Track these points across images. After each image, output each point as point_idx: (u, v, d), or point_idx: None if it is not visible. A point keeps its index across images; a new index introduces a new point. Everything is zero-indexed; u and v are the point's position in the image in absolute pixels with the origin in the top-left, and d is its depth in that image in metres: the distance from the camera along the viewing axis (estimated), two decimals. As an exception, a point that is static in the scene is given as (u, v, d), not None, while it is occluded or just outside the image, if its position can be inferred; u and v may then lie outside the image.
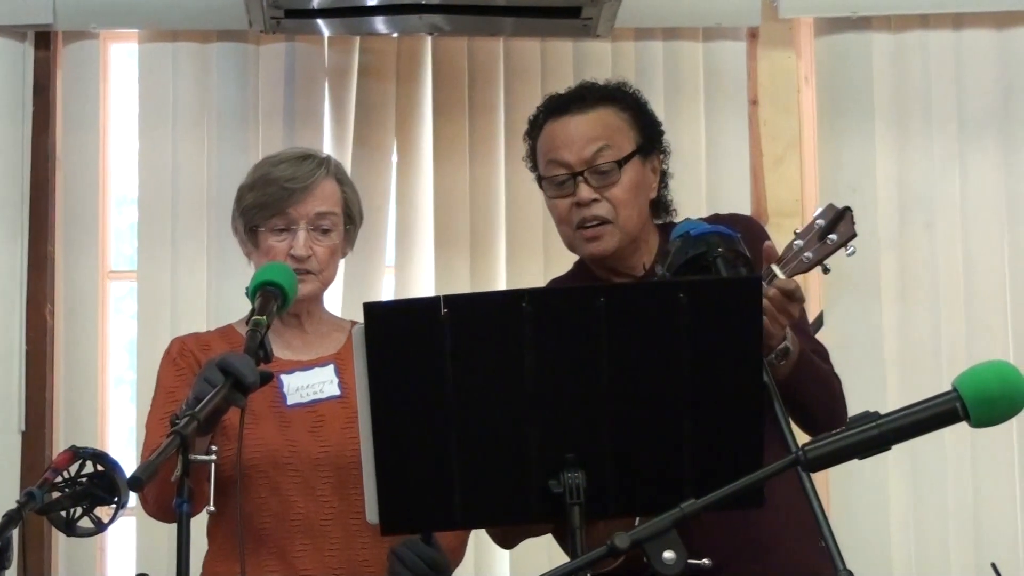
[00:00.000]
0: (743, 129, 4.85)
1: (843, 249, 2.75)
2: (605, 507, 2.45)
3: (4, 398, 4.62)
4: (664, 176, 3.19)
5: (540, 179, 3.16)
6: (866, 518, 4.63)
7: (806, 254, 2.75)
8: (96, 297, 4.77)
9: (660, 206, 3.19)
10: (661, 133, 3.20)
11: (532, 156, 3.20)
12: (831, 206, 2.77)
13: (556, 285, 3.27)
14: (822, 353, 3.06)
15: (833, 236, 2.74)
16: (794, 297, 2.73)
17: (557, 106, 3.16)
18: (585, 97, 3.15)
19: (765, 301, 2.68)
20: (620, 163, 3.06)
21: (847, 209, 2.76)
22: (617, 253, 3.09)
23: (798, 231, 2.78)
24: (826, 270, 2.77)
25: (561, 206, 3.10)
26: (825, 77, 4.90)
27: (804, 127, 4.94)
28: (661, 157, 3.19)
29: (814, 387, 2.92)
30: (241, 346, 3.02)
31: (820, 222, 2.75)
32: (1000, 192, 4.81)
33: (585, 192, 3.05)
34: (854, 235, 2.76)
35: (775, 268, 2.75)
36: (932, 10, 4.86)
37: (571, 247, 3.15)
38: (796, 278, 2.76)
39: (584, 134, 3.08)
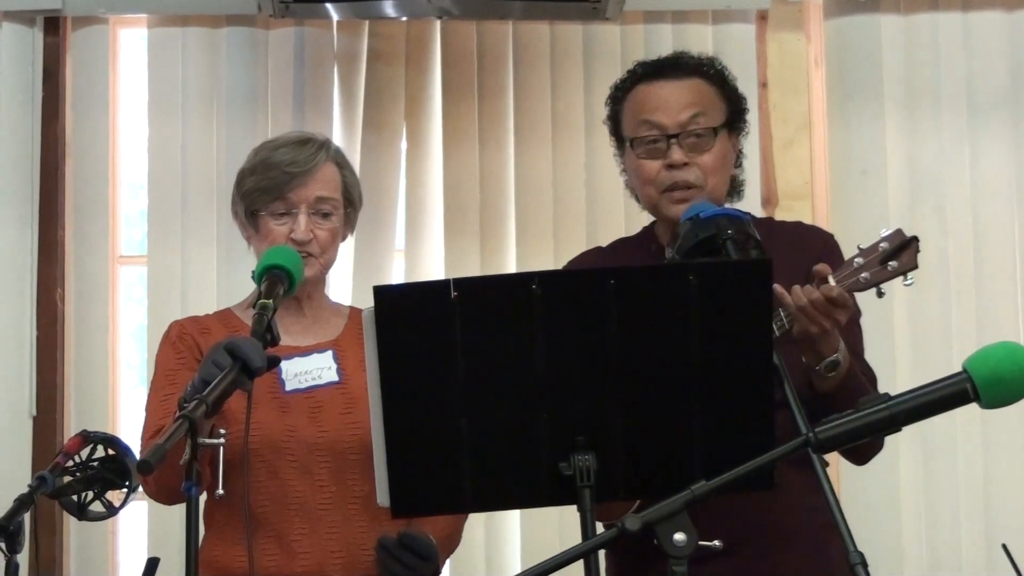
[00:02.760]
0: (753, 112, 4.78)
1: (901, 277, 2.75)
2: (615, 489, 2.45)
3: (15, 383, 4.63)
4: (739, 156, 3.19)
5: (621, 141, 3.14)
6: (877, 500, 4.63)
7: (863, 274, 2.74)
8: (106, 282, 4.78)
9: (734, 185, 3.18)
10: (746, 111, 3.19)
11: (614, 119, 3.18)
12: (899, 232, 2.76)
13: (621, 245, 3.27)
14: (871, 377, 3.04)
15: (894, 263, 2.73)
16: (837, 303, 2.73)
17: (649, 71, 3.14)
18: (679, 65, 3.14)
19: (806, 302, 2.70)
20: (716, 130, 3.06)
21: (914, 239, 2.75)
22: None
23: (862, 247, 2.77)
24: (880, 294, 2.77)
25: (649, 167, 3.07)
26: (835, 59, 4.89)
27: (814, 110, 4.93)
28: (740, 136, 3.18)
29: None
30: (240, 330, 3.04)
31: (884, 245, 2.74)
32: (1010, 173, 4.81)
33: (677, 155, 3.03)
34: (915, 267, 2.74)
35: (830, 278, 2.75)
36: (941, -8, 4.86)
37: (652, 208, 3.12)
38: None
39: (681, 99, 3.07)
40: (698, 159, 3.04)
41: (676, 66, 3.13)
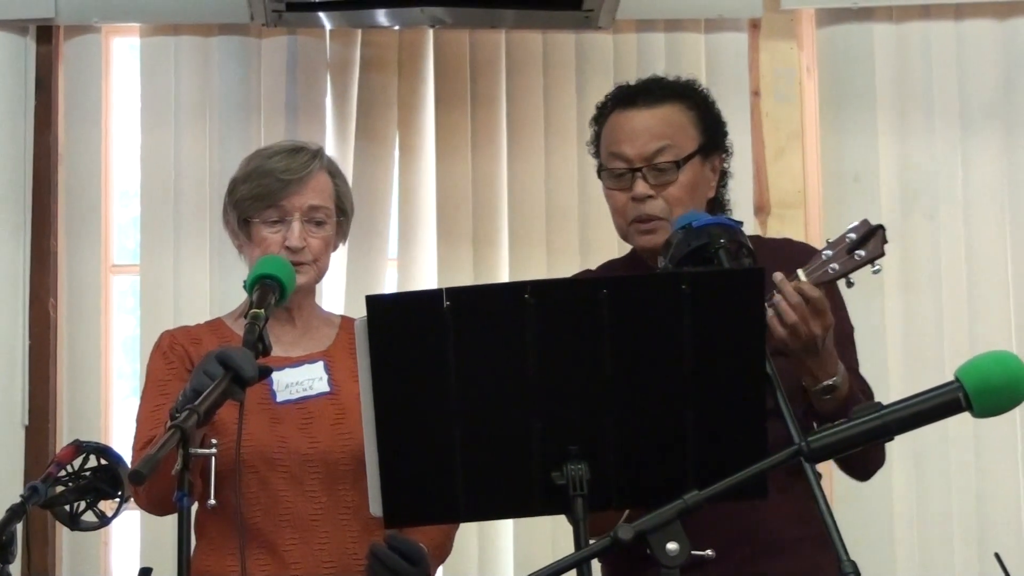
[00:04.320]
0: (745, 120, 4.84)
1: (869, 266, 2.75)
2: (608, 499, 2.45)
3: (7, 392, 4.62)
4: (724, 176, 3.19)
5: (600, 168, 3.15)
6: (869, 510, 4.63)
7: (832, 265, 2.75)
8: (99, 291, 4.77)
9: (717, 205, 3.17)
10: (725, 134, 3.19)
11: (596, 142, 3.19)
12: (865, 222, 2.78)
13: (610, 268, 3.28)
14: (868, 394, 3.03)
15: (861, 252, 2.75)
16: (817, 307, 2.73)
17: (624, 97, 3.15)
18: (653, 91, 3.14)
19: (787, 308, 2.70)
20: (679, 163, 3.05)
21: (880, 227, 2.77)
22: None
23: (830, 240, 2.79)
24: (850, 284, 2.77)
25: (618, 198, 3.09)
26: (827, 68, 4.90)
27: (806, 118, 4.94)
28: (723, 157, 3.18)
29: None
30: (230, 339, 3.04)
31: (852, 236, 2.76)
32: (1002, 182, 4.81)
33: (641, 188, 3.04)
34: (882, 254, 2.76)
35: (800, 272, 2.75)
36: (933, 0, 4.85)
37: (624, 237, 3.15)
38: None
39: (647, 130, 3.07)
40: (664, 191, 3.05)
41: (648, 92, 3.13)
